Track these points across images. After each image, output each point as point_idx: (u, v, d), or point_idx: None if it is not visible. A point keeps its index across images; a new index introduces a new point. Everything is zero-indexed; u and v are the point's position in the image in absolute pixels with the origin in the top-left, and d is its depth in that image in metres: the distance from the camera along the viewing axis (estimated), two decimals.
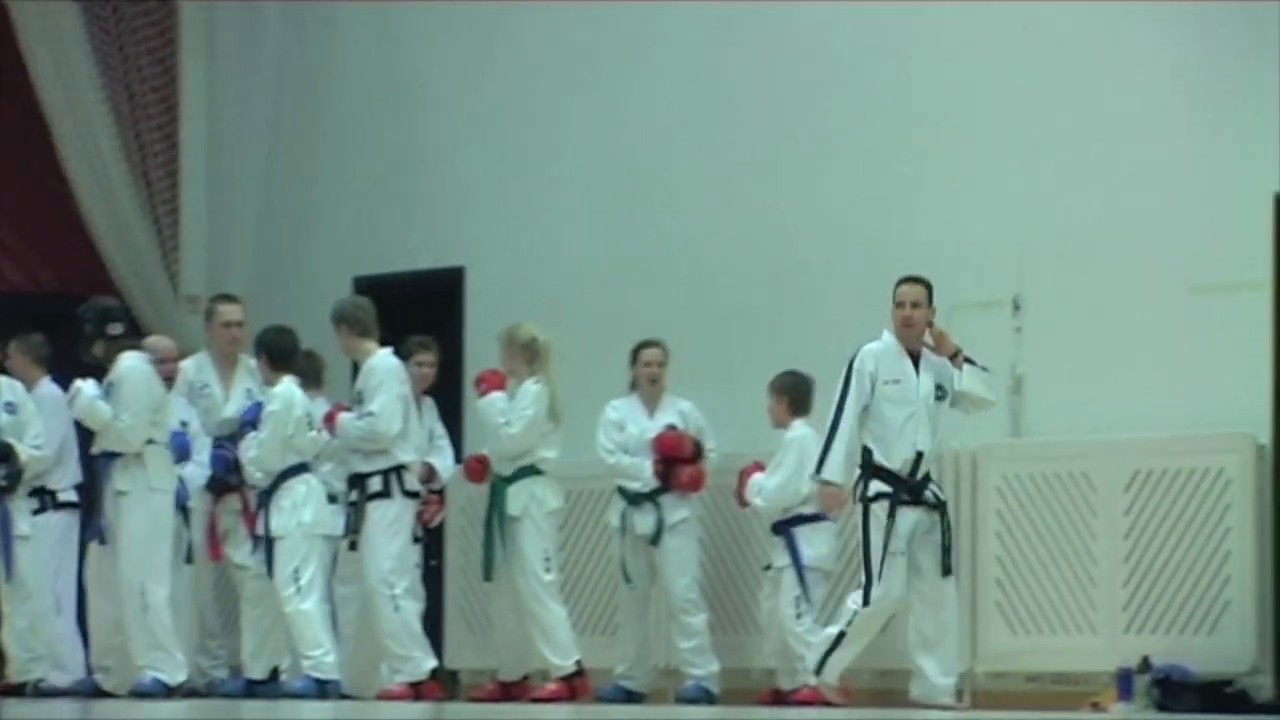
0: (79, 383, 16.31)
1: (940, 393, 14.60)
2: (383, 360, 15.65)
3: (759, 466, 15.67)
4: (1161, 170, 16.53)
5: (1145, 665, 14.87)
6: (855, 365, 14.60)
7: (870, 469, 14.64)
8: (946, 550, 14.59)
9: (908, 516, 14.41)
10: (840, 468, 14.65)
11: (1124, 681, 14.91)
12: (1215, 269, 16.07)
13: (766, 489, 15.77)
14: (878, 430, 14.60)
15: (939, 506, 14.60)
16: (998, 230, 16.71)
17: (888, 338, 14.71)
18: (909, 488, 14.42)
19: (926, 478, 14.67)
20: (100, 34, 20.68)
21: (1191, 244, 15.97)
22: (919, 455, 14.49)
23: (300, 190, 20.63)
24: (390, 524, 15.56)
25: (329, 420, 15.80)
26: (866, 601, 14.52)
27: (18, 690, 16.13)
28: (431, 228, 19.71)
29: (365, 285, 19.02)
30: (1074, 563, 15.93)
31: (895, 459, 14.41)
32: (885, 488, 14.43)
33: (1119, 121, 16.94)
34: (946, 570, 14.56)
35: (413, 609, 15.35)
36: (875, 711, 15.75)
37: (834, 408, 14.86)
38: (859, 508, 14.74)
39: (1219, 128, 16.40)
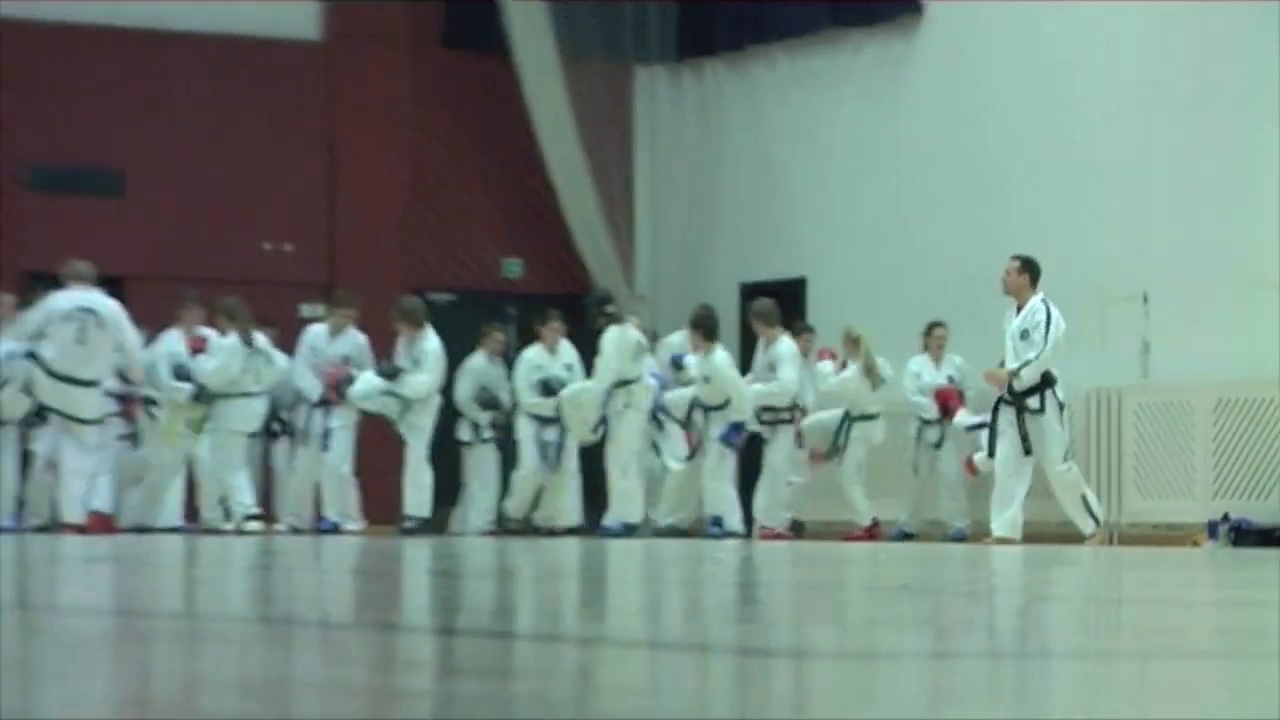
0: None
1: (1024, 334, 16.00)
2: (787, 343, 17.71)
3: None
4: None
5: (1225, 518, 16.66)
6: None
7: None
8: (1023, 437, 15.96)
9: (1005, 413, 15.95)
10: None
11: (1211, 529, 16.65)
12: None
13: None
14: None
15: (1026, 409, 15.85)
16: (1131, 242, 18.34)
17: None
18: (1010, 392, 15.96)
19: (1029, 391, 15.94)
20: (588, 137, 22.31)
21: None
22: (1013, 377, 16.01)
23: (707, 225, 22.51)
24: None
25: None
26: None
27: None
28: (786, 250, 21.44)
29: (747, 289, 20.84)
30: (1181, 456, 17.70)
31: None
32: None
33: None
34: (1025, 451, 15.91)
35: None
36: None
37: None
38: None
39: None
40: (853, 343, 17.94)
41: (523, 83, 22.01)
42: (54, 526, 17.04)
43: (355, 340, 18.14)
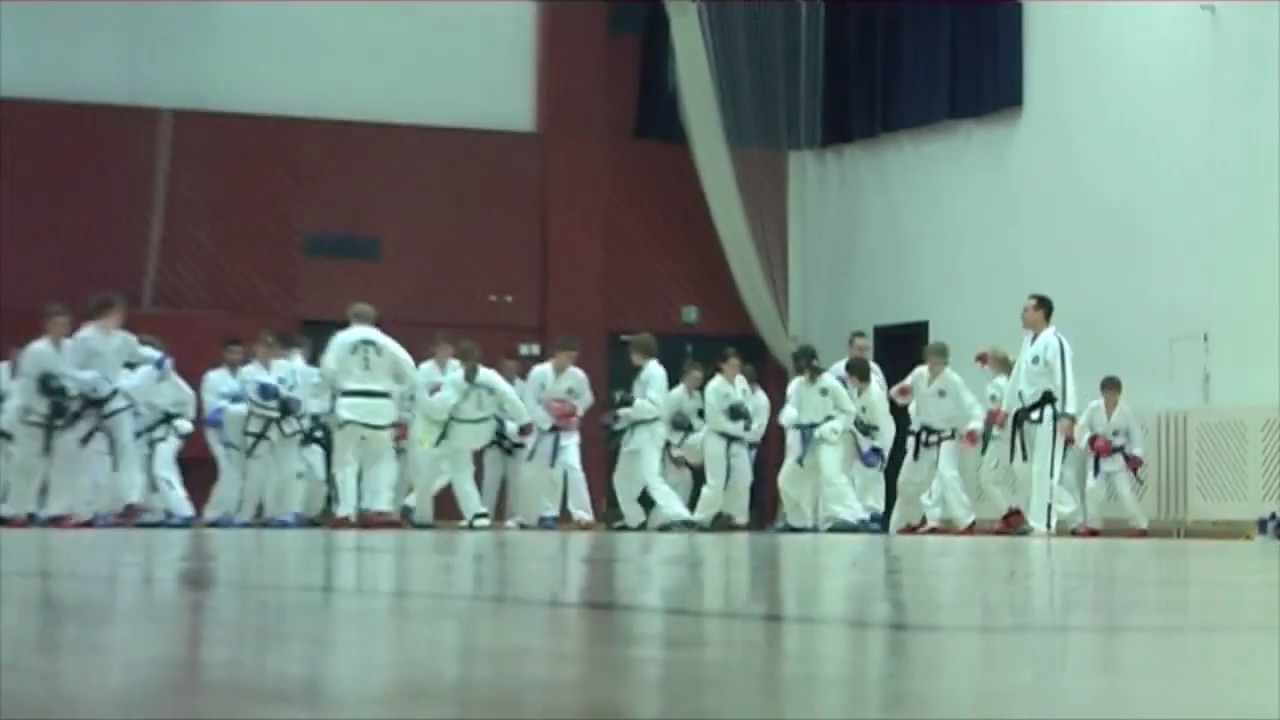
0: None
1: (1036, 360, 15.90)
2: (954, 374, 17.72)
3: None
4: None
5: (1272, 516, 17.06)
6: None
7: None
8: (1021, 447, 16.04)
9: (1027, 429, 15.94)
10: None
11: (1262, 525, 17.04)
12: None
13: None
14: None
15: (1029, 420, 15.83)
16: (1194, 291, 18.56)
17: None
18: (1024, 412, 16.00)
19: (1033, 406, 15.86)
20: (750, 208, 22.70)
21: None
22: (1020, 395, 16.03)
23: (847, 278, 22.84)
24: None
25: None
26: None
27: None
28: (912, 298, 21.82)
29: (880, 330, 21.36)
30: (1235, 466, 18.02)
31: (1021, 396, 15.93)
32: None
33: None
34: (1024, 458, 16.01)
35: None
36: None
37: None
38: None
39: None
40: (1001, 362, 17.59)
41: (697, 164, 22.52)
42: (325, 521, 17.13)
43: (576, 376, 18.37)
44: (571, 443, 18.29)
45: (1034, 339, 15.98)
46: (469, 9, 22.29)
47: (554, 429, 18.18)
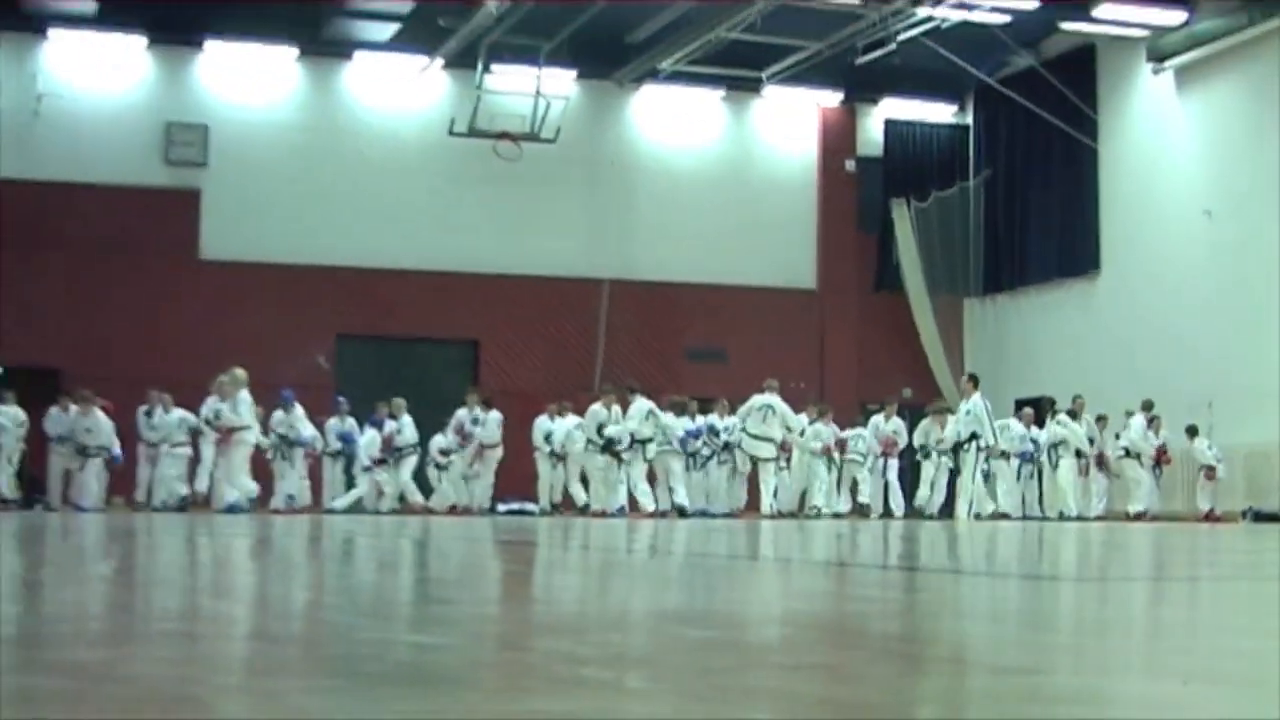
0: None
1: (968, 412, 16.66)
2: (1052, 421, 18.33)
3: None
4: None
5: (1250, 509, 19.71)
6: None
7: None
8: (958, 468, 16.76)
9: (962, 455, 16.24)
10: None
11: (1244, 514, 19.54)
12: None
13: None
14: None
15: (961, 450, 16.14)
16: (1204, 375, 20.67)
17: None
18: (958, 445, 16.41)
19: (965, 441, 16.41)
20: (942, 331, 24.63)
21: None
22: (958, 434, 16.92)
23: (998, 370, 24.31)
24: None
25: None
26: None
27: None
28: (1042, 381, 23.48)
29: (1019, 401, 22.61)
30: (1228, 480, 20.50)
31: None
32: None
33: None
34: (956, 472, 16.84)
35: None
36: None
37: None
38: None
39: None
40: (1100, 420, 19.99)
41: (911, 306, 25.17)
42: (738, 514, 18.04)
43: (898, 422, 19.75)
44: (893, 465, 19.85)
45: (967, 400, 17.34)
46: (778, 214, 25.18)
47: (883, 454, 19.70)
